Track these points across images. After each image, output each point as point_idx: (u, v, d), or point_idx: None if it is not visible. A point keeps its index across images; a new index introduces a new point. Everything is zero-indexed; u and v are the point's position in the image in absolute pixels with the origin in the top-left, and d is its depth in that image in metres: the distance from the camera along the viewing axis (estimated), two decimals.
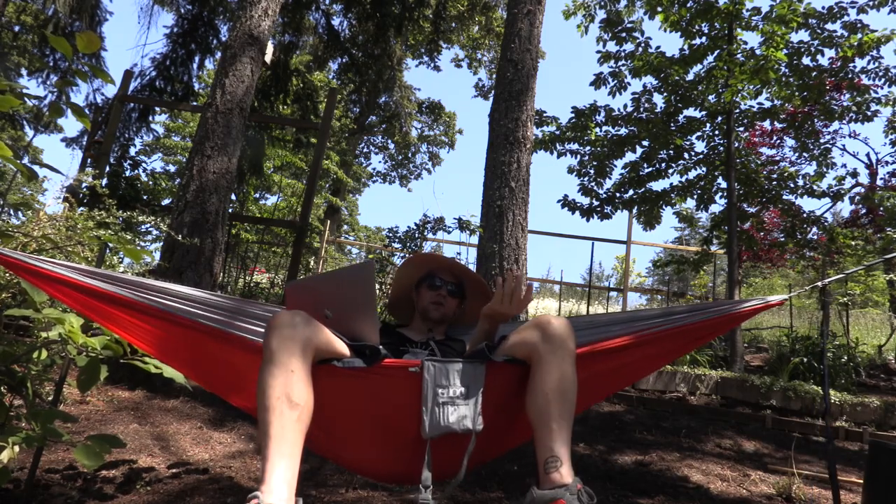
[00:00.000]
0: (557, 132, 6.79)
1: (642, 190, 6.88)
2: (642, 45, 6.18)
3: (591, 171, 6.92)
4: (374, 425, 1.43)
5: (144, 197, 6.12)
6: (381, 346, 1.45)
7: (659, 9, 6.04)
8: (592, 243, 8.19)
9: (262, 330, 1.75)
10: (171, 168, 12.48)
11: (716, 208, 6.92)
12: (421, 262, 1.90)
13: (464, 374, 1.40)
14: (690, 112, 6.43)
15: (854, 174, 7.21)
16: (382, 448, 1.46)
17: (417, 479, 1.35)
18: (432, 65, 14.61)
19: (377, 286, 4.53)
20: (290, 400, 1.20)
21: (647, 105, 6.48)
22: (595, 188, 6.93)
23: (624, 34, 6.21)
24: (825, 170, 6.82)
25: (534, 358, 1.39)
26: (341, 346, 1.41)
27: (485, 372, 1.42)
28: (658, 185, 6.93)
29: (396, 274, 1.91)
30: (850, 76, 6.05)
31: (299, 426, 1.20)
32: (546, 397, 1.32)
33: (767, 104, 6.34)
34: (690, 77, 6.17)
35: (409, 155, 19.71)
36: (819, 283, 1.86)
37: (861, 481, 2.46)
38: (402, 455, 1.44)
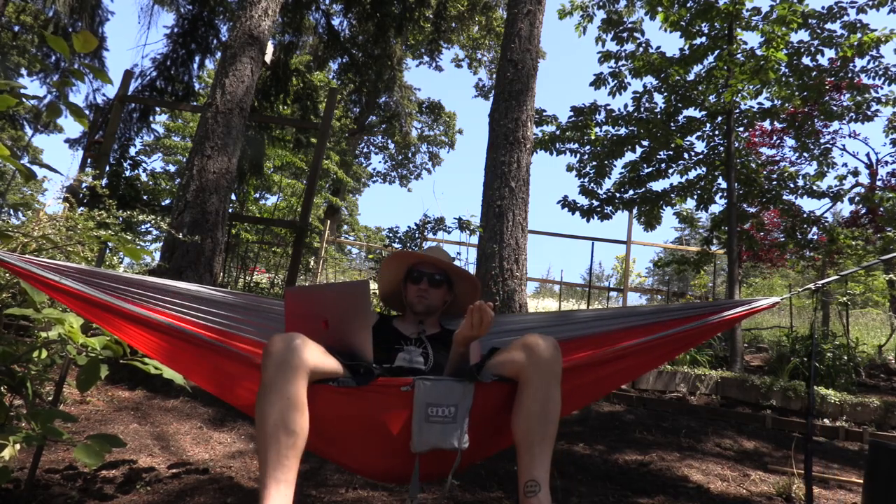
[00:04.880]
0: (557, 131, 6.79)
1: (642, 190, 6.87)
2: (643, 45, 6.18)
3: (591, 171, 6.92)
4: (367, 437, 1.48)
5: (144, 197, 6.12)
6: (374, 365, 1.51)
7: (659, 9, 6.04)
8: (592, 243, 8.20)
9: (264, 328, 1.78)
10: (171, 168, 12.47)
11: (716, 208, 6.93)
12: (399, 261, 1.93)
13: (453, 393, 1.45)
14: (690, 112, 6.43)
15: (855, 173, 7.20)
16: (378, 456, 1.52)
17: (410, 481, 1.43)
18: (433, 65, 14.61)
19: (374, 284, 4.53)
20: (287, 428, 1.28)
21: (647, 105, 6.48)
22: (595, 188, 6.93)
23: (625, 34, 6.21)
24: (825, 170, 6.82)
25: (521, 378, 1.45)
26: (336, 365, 1.46)
27: (473, 391, 1.47)
28: (658, 185, 6.94)
29: (380, 275, 1.97)
30: (850, 76, 6.04)
31: (295, 452, 1.28)
32: (529, 421, 1.39)
33: (767, 104, 6.33)
34: (690, 77, 6.17)
35: (409, 155, 19.70)
36: (812, 286, 1.86)
37: (861, 481, 2.46)
38: (395, 462, 1.50)
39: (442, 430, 1.41)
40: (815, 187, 6.63)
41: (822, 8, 5.72)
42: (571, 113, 6.69)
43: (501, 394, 1.50)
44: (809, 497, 1.64)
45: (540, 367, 1.42)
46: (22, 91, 1.70)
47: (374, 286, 4.28)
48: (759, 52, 5.57)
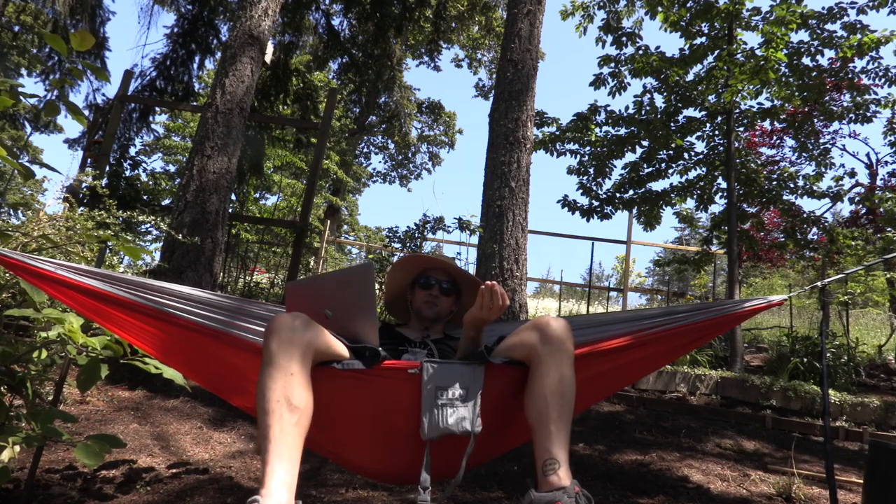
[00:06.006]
0: (557, 132, 6.79)
1: (642, 190, 6.87)
2: (642, 48, 6.19)
3: (591, 172, 6.92)
4: (374, 426, 1.43)
5: (144, 197, 6.13)
6: (380, 348, 1.45)
7: (659, 9, 6.04)
8: (592, 243, 8.20)
9: (263, 329, 1.76)
10: (171, 168, 12.48)
11: (716, 208, 6.93)
12: (411, 264, 1.90)
13: (463, 375, 1.40)
14: (690, 112, 6.44)
15: (852, 174, 7.21)
16: (382, 448, 1.47)
17: (417, 479, 1.36)
18: (432, 65, 14.59)
19: (377, 285, 4.53)
20: (290, 403, 1.21)
21: (648, 107, 6.47)
22: (595, 188, 6.93)
23: (624, 38, 6.21)
24: (824, 170, 6.82)
25: (532, 359, 1.39)
26: (341, 348, 1.42)
27: (483, 374, 1.42)
28: (658, 186, 6.94)
29: (388, 277, 1.92)
30: (849, 76, 6.04)
31: (298, 429, 1.21)
32: (545, 399, 1.32)
33: (767, 104, 6.33)
34: (690, 77, 6.17)
35: (409, 155, 19.67)
36: (818, 284, 1.86)
37: (861, 481, 2.46)
38: (401, 455, 1.45)
39: (453, 413, 1.35)
40: (814, 188, 6.63)
41: (823, 8, 5.72)
42: (574, 117, 6.70)
43: (513, 378, 1.45)
44: (834, 498, 1.62)
45: (552, 345, 1.37)
46: (21, 90, 1.69)
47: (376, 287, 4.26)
48: (758, 53, 5.57)
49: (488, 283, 1.46)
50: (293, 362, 1.26)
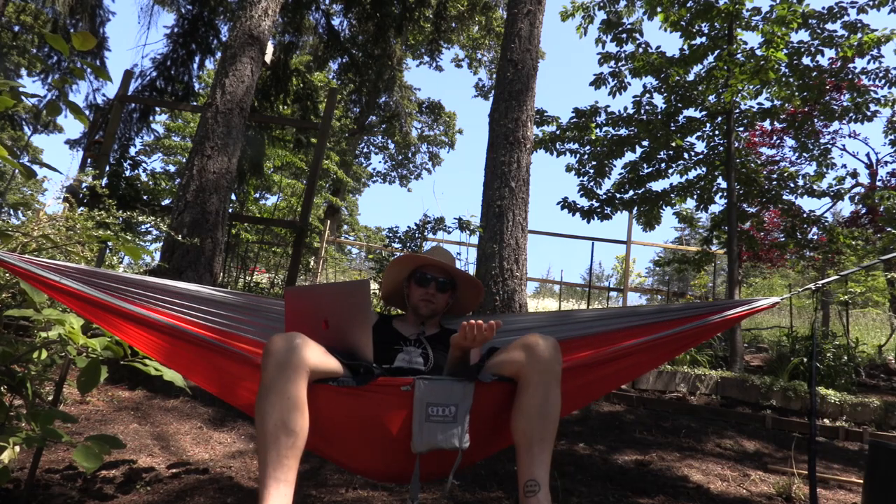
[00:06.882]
0: (557, 132, 6.79)
1: (642, 190, 6.87)
2: (642, 45, 6.18)
3: (591, 171, 6.92)
4: (369, 436, 1.48)
5: (144, 197, 6.13)
6: (374, 365, 1.51)
7: (659, 9, 6.04)
8: (592, 243, 8.21)
9: (264, 329, 1.79)
10: (171, 168, 12.48)
11: (716, 208, 6.93)
12: (409, 261, 1.94)
13: (453, 393, 1.45)
14: (690, 112, 6.43)
15: (854, 174, 7.21)
16: (378, 455, 1.52)
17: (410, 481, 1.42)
18: (433, 65, 14.59)
19: (376, 285, 4.54)
20: (287, 427, 1.28)
21: (648, 107, 6.47)
22: (594, 188, 6.93)
23: (624, 35, 6.21)
24: (825, 170, 6.82)
25: (520, 378, 1.45)
26: (336, 365, 1.46)
27: (473, 391, 1.47)
28: (658, 186, 6.93)
29: (385, 273, 1.97)
30: (850, 76, 6.04)
31: (295, 451, 1.28)
32: (530, 421, 1.39)
33: (767, 104, 6.33)
34: (690, 77, 6.17)
35: (409, 155, 19.68)
36: (812, 286, 1.86)
37: (861, 481, 2.46)
38: (395, 461, 1.50)
39: (442, 429, 1.41)
40: (815, 187, 6.63)
41: (823, 8, 5.72)
42: (573, 114, 6.70)
43: (501, 393, 1.50)
44: (814, 498, 1.63)
45: (540, 366, 1.42)
46: (21, 90, 1.69)
47: (374, 286, 4.26)
48: (759, 52, 5.57)
49: (467, 322, 1.46)
50: (289, 385, 1.31)
